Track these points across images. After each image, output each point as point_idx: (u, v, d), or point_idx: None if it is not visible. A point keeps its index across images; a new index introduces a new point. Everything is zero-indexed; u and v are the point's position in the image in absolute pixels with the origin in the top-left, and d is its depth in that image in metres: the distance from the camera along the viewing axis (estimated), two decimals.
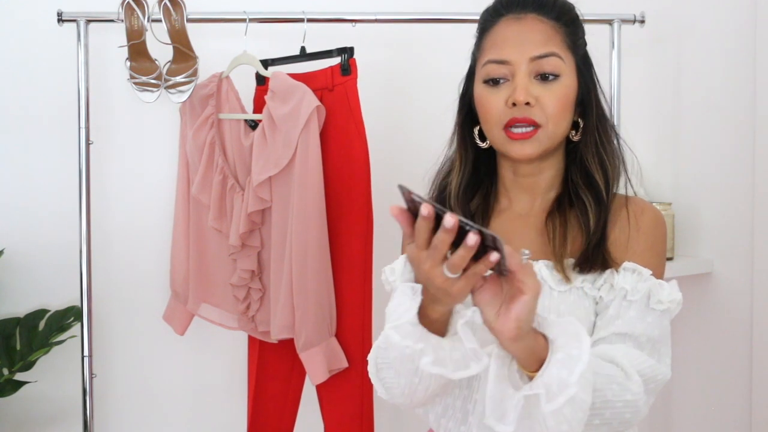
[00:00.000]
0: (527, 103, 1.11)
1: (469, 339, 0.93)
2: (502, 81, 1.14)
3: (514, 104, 1.11)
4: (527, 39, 1.14)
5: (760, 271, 1.88)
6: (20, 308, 2.11)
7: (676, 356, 2.03)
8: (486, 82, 1.15)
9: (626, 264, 1.11)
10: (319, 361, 1.85)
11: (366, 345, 1.90)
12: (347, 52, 1.85)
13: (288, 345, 1.93)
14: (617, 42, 1.87)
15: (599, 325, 1.09)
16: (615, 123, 1.85)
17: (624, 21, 1.88)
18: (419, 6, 2.09)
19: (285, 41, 1.91)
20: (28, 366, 1.99)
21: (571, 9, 1.20)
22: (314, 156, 1.82)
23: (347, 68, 1.85)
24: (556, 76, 1.13)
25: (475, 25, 1.34)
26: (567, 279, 1.10)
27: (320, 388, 1.95)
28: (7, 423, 2.12)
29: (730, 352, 1.95)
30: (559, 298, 1.11)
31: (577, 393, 0.87)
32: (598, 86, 1.21)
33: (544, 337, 0.92)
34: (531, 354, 0.91)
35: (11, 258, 2.08)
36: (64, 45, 1.95)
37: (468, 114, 1.22)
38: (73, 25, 1.82)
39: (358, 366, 1.90)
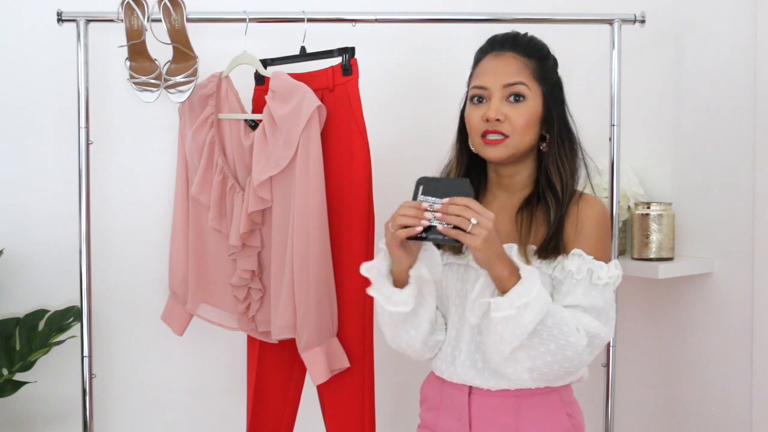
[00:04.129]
0: (498, 120, 1.46)
1: (412, 287, 1.43)
2: (483, 101, 1.50)
3: (488, 120, 1.47)
4: (502, 71, 1.49)
5: (760, 271, 1.88)
6: (20, 308, 2.10)
7: (677, 356, 2.03)
8: (471, 99, 1.52)
9: (574, 250, 1.45)
10: (321, 361, 1.84)
11: (367, 344, 1.90)
12: (348, 52, 1.85)
13: (288, 345, 1.93)
14: (617, 42, 1.87)
15: (556, 299, 1.44)
16: (615, 123, 1.87)
17: (624, 21, 1.87)
18: (419, 6, 2.10)
19: (285, 41, 1.91)
20: (27, 366, 1.99)
21: (541, 48, 1.54)
22: (315, 156, 1.82)
23: (348, 68, 1.85)
24: (524, 98, 1.48)
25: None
26: (528, 261, 1.45)
27: (321, 388, 1.95)
28: (7, 423, 2.11)
29: (730, 352, 1.95)
30: None
31: (511, 315, 1.32)
32: (566, 109, 1.55)
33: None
34: (499, 282, 1.36)
35: (11, 258, 2.08)
36: (64, 45, 1.95)
37: (463, 127, 1.56)
38: (73, 24, 1.82)
39: (360, 366, 1.90)
